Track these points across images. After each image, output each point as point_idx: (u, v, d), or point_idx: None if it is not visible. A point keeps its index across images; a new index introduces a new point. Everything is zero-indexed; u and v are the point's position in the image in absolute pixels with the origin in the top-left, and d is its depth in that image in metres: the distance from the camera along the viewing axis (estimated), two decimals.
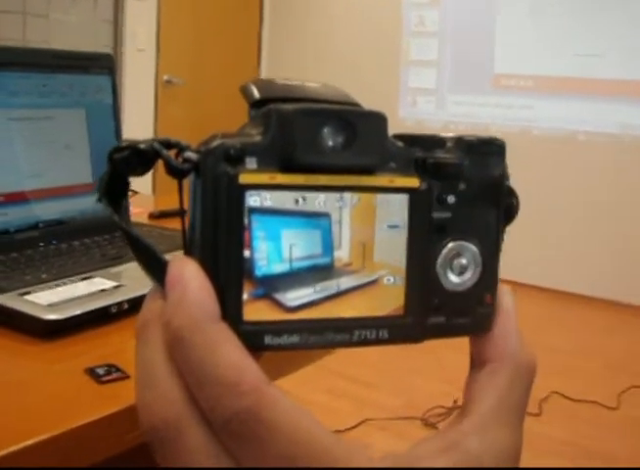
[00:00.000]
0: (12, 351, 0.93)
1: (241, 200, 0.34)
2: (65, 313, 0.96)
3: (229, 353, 0.33)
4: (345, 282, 0.37)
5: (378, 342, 0.38)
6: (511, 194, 0.41)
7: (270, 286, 0.35)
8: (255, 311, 0.35)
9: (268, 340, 0.35)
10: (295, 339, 0.36)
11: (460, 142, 0.39)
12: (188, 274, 0.34)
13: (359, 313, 0.37)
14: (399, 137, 0.39)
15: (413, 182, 0.38)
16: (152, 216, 1.67)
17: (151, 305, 0.36)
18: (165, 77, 5.58)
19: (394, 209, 0.38)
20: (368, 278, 0.38)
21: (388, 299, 0.38)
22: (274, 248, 0.35)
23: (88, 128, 1.37)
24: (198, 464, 0.33)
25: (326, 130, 0.36)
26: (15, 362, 0.91)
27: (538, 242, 5.15)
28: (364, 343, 0.38)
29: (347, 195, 0.37)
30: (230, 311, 0.34)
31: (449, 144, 0.39)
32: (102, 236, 1.32)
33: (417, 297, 0.38)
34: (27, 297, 1.00)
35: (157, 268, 0.35)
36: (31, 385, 0.85)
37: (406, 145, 0.39)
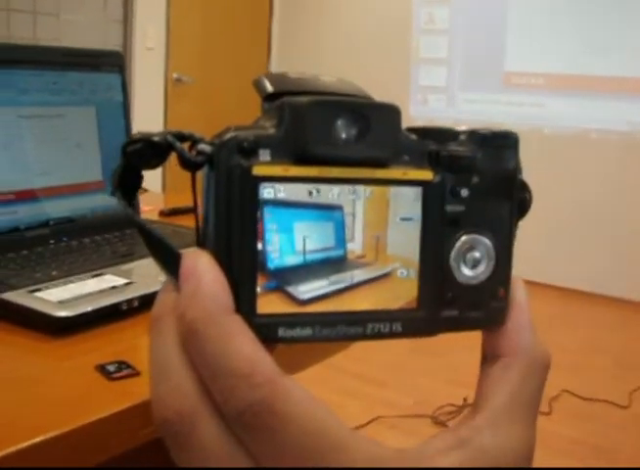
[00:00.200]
0: (22, 348, 0.93)
1: (254, 192, 0.34)
2: (75, 310, 0.96)
3: (243, 346, 0.33)
4: (358, 275, 0.37)
5: (391, 335, 0.38)
6: (524, 188, 0.41)
7: (283, 278, 0.35)
8: (268, 304, 0.35)
9: (281, 332, 0.35)
10: (308, 331, 0.36)
11: (473, 135, 0.39)
12: (202, 267, 0.34)
13: (372, 306, 0.37)
14: (413, 130, 0.39)
15: (426, 175, 0.38)
16: (162, 214, 1.67)
17: (164, 297, 0.36)
18: (175, 76, 5.59)
19: (408, 201, 0.37)
20: (381, 271, 0.37)
21: (401, 292, 0.38)
22: (286, 240, 0.35)
23: (98, 126, 1.38)
24: (212, 457, 0.33)
25: (339, 122, 0.36)
26: (25, 359, 0.91)
27: (548, 240, 5.14)
28: (377, 336, 0.37)
29: (361, 187, 0.37)
30: (244, 304, 0.34)
31: (462, 137, 0.39)
32: (112, 233, 1.32)
33: (430, 290, 0.38)
34: (38, 294, 1.00)
35: (170, 261, 0.35)
36: (42, 382, 0.85)
37: (419, 138, 0.38)
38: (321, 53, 6.06)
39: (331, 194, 0.36)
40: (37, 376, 0.86)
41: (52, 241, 1.25)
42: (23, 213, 1.24)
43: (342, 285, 0.37)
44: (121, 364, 0.86)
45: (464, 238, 0.39)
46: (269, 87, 0.38)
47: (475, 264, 0.39)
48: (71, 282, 1.06)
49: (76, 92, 1.34)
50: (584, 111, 5.11)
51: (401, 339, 0.38)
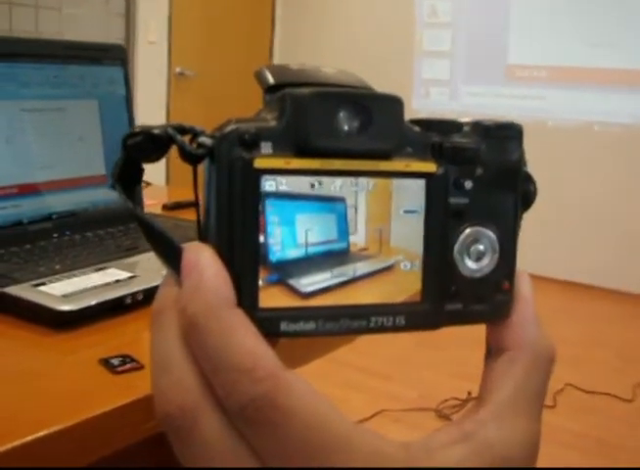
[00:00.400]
0: (26, 341, 0.93)
1: (256, 185, 0.34)
2: (79, 304, 0.96)
3: (245, 339, 0.32)
4: (361, 267, 0.37)
5: (395, 329, 0.38)
6: (528, 180, 0.41)
7: (285, 272, 0.35)
8: (271, 298, 0.35)
9: (284, 326, 0.35)
10: (310, 325, 0.36)
11: (477, 126, 0.39)
12: (204, 260, 0.34)
13: (375, 299, 0.37)
14: (416, 122, 0.38)
15: (430, 167, 0.38)
16: (165, 208, 1.66)
17: (166, 291, 0.35)
18: (177, 69, 5.58)
19: (411, 194, 0.37)
20: (384, 263, 0.37)
21: (405, 284, 0.38)
22: (288, 233, 0.35)
23: (101, 120, 1.37)
24: (214, 452, 0.33)
25: (341, 114, 0.35)
26: (29, 353, 0.91)
27: (550, 232, 5.13)
28: (381, 330, 0.37)
29: (363, 180, 0.36)
30: (246, 298, 0.34)
31: (466, 128, 0.39)
32: (116, 227, 1.32)
33: (434, 283, 0.38)
34: (42, 288, 1.00)
35: (171, 255, 0.35)
36: (46, 376, 0.85)
37: (423, 129, 0.38)
38: (324, 46, 6.06)
39: (333, 186, 0.36)
40: (41, 370, 0.86)
41: (55, 235, 1.25)
42: (26, 207, 1.24)
43: (344, 278, 0.37)
44: (125, 358, 0.86)
45: (468, 231, 0.39)
46: (271, 79, 0.38)
47: (479, 257, 0.39)
48: (75, 276, 1.06)
49: (79, 86, 1.34)
50: (587, 103, 5.10)
51: (405, 332, 0.38)
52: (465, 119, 0.39)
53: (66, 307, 0.95)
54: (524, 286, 0.41)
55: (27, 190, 1.25)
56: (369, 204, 0.37)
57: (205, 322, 0.33)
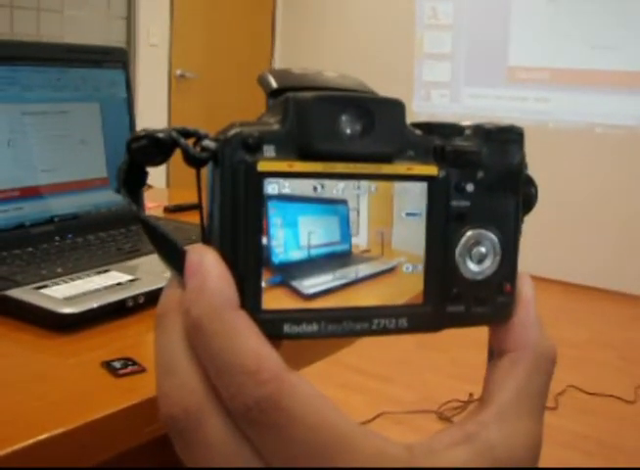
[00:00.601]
0: (28, 344, 0.93)
1: (259, 188, 0.34)
2: (81, 307, 0.96)
3: (249, 341, 0.33)
4: (364, 269, 0.37)
5: (397, 331, 0.38)
6: (530, 183, 0.41)
7: (287, 273, 0.35)
8: (274, 300, 0.35)
9: (287, 328, 0.35)
10: (313, 327, 0.36)
11: (478, 130, 0.39)
12: (207, 263, 0.34)
13: (377, 301, 0.37)
14: (417, 125, 0.39)
15: (431, 170, 0.38)
16: (167, 210, 1.67)
17: (170, 294, 0.36)
18: (179, 72, 5.59)
19: (413, 197, 0.37)
20: (386, 265, 0.37)
21: (407, 287, 0.38)
22: (291, 234, 0.35)
23: (102, 122, 1.37)
24: (218, 454, 0.33)
25: (344, 118, 0.36)
26: (31, 356, 0.91)
27: (552, 234, 5.13)
28: (383, 332, 0.37)
29: (365, 183, 0.37)
30: (249, 300, 0.34)
31: (468, 132, 0.39)
32: (117, 230, 1.33)
33: (436, 285, 0.38)
34: (43, 291, 1.00)
35: (175, 258, 0.35)
36: (48, 378, 0.85)
37: (424, 133, 0.38)
38: (324, 48, 6.06)
39: (335, 189, 0.36)
40: (43, 373, 0.86)
41: (57, 238, 1.25)
42: (28, 210, 1.24)
43: (347, 280, 0.37)
44: (127, 361, 0.86)
45: (469, 233, 0.39)
46: (273, 83, 0.38)
47: (480, 260, 0.39)
48: (77, 279, 1.06)
49: (80, 88, 1.34)
50: (588, 105, 5.10)
51: (407, 334, 0.38)
52: (466, 123, 0.40)
53: (67, 310, 0.95)
54: (525, 288, 0.41)
55: (29, 193, 1.25)
56: (371, 207, 0.37)
57: (208, 324, 0.33)
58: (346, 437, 0.33)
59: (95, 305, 0.98)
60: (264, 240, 0.35)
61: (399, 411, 3.10)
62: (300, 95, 0.36)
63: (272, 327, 0.35)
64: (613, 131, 5.02)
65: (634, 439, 3.01)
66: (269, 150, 0.35)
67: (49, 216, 1.27)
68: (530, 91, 5.29)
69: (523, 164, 0.40)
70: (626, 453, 2.88)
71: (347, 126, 0.36)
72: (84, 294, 1.00)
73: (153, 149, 0.36)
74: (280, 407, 0.32)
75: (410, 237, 0.38)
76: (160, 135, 0.35)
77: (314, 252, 0.36)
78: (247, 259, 0.34)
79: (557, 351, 0.40)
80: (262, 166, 0.34)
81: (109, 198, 1.35)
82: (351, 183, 0.36)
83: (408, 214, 0.37)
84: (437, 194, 0.38)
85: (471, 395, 3.08)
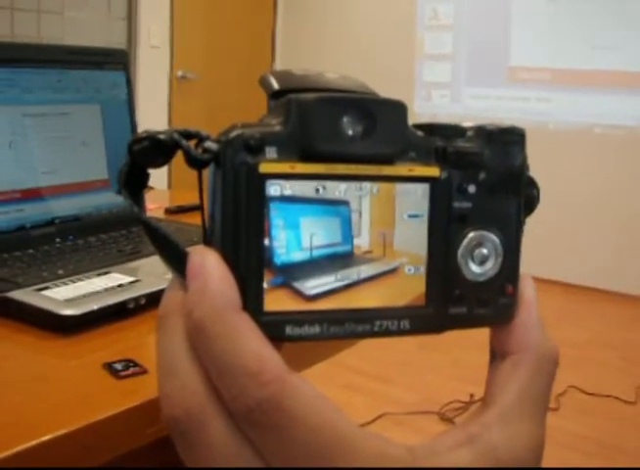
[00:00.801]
0: (29, 346, 0.93)
1: (261, 189, 0.34)
2: (82, 309, 0.96)
3: (250, 343, 0.33)
4: (366, 270, 0.37)
5: (399, 332, 0.38)
6: (531, 184, 0.41)
7: (289, 274, 0.35)
8: (276, 301, 0.35)
9: (289, 330, 0.35)
10: (315, 329, 0.36)
11: (480, 131, 0.39)
12: (209, 264, 0.34)
13: (379, 303, 0.37)
14: (419, 126, 0.39)
15: (433, 171, 0.38)
16: (168, 212, 1.67)
17: (171, 295, 0.36)
18: (179, 73, 5.59)
19: (415, 198, 0.37)
20: (388, 266, 0.37)
21: (409, 288, 0.38)
22: (293, 236, 0.35)
23: (103, 124, 1.37)
24: (220, 456, 0.33)
25: (345, 119, 0.36)
26: (32, 358, 0.91)
27: (553, 235, 5.13)
28: (385, 333, 0.37)
29: (367, 184, 0.37)
30: (251, 302, 0.34)
31: (469, 133, 0.39)
32: (118, 231, 1.33)
33: (438, 287, 0.38)
34: (44, 292, 1.00)
35: (177, 259, 0.35)
36: (49, 380, 0.85)
37: (426, 134, 0.38)
38: (325, 49, 6.06)
39: (337, 191, 0.36)
40: (44, 374, 0.86)
41: (58, 239, 1.25)
42: (29, 212, 1.24)
43: (349, 281, 0.37)
44: (129, 362, 0.86)
45: (471, 235, 0.39)
46: (275, 84, 0.38)
47: (482, 261, 0.39)
48: (78, 280, 1.06)
49: (81, 90, 1.34)
50: (589, 106, 5.09)
51: (409, 336, 0.38)
52: (468, 124, 0.40)
53: (68, 312, 0.95)
54: (527, 289, 0.41)
55: (30, 195, 1.25)
56: (373, 208, 0.37)
57: (210, 326, 0.33)
58: (347, 438, 0.33)
59: (96, 306, 0.98)
60: (266, 241, 0.35)
61: (401, 412, 3.10)
62: (302, 96, 0.36)
63: (274, 329, 0.35)
64: (613, 132, 5.02)
65: (634, 439, 3.01)
66: (271, 151, 0.35)
67: (50, 218, 1.27)
68: (531, 91, 5.29)
69: (524, 166, 0.40)
70: (626, 454, 2.88)
71: (349, 128, 0.36)
72: (85, 295, 1.00)
73: (154, 150, 0.36)
74: (281, 408, 0.32)
75: (412, 238, 0.38)
76: (162, 137, 0.35)
77: (316, 253, 0.36)
78: (248, 261, 0.34)
79: (559, 352, 0.40)
80: (264, 168, 0.34)
81: (110, 199, 1.35)
82: (353, 184, 0.36)
83: (410, 216, 0.37)
84: (439, 195, 0.38)
85: (472, 396, 3.08)
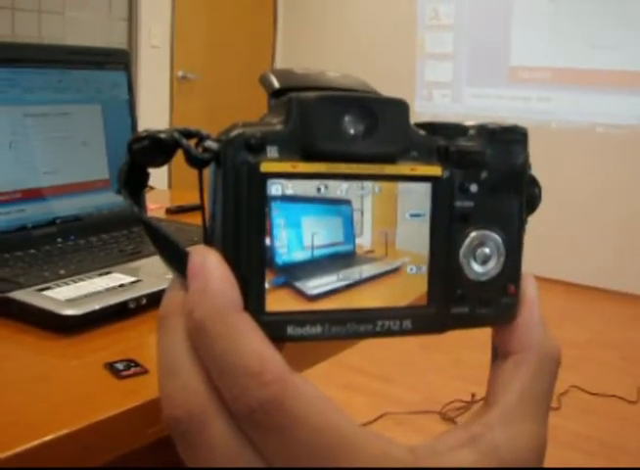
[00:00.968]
0: (31, 346, 0.93)
1: (262, 189, 0.34)
2: (83, 309, 0.96)
3: (252, 343, 0.32)
4: (368, 270, 0.37)
5: (401, 332, 0.38)
6: (533, 183, 0.41)
7: (291, 274, 0.35)
8: (277, 301, 0.35)
9: (290, 330, 0.35)
10: (317, 329, 0.36)
11: (482, 130, 0.39)
12: (210, 264, 0.34)
13: (381, 302, 0.37)
14: (421, 125, 0.38)
15: (435, 171, 0.38)
16: (169, 212, 1.66)
17: (172, 295, 0.35)
18: (180, 73, 5.59)
19: (417, 197, 0.37)
20: (390, 266, 0.37)
21: (411, 288, 0.38)
22: (295, 235, 0.35)
23: (104, 124, 1.37)
24: (221, 456, 0.33)
25: (347, 118, 0.35)
26: (33, 358, 0.91)
27: (554, 234, 5.13)
28: (387, 333, 0.37)
29: (369, 184, 0.36)
30: (252, 302, 0.34)
31: (471, 132, 0.39)
32: (120, 231, 1.32)
33: (440, 287, 0.38)
34: (46, 292, 1.00)
35: (177, 259, 0.35)
36: (50, 380, 0.85)
37: (428, 133, 0.38)
38: (326, 49, 6.06)
39: (339, 190, 0.36)
40: (46, 374, 0.86)
41: (59, 239, 1.25)
42: (31, 212, 1.24)
43: (350, 280, 0.37)
44: (130, 362, 0.86)
45: (473, 234, 0.39)
46: (276, 83, 0.38)
47: (485, 260, 0.39)
48: (79, 280, 1.06)
49: (82, 90, 1.34)
50: (590, 105, 5.09)
51: (411, 336, 0.38)
52: (470, 123, 0.39)
53: (70, 312, 0.95)
54: (529, 288, 0.40)
55: (31, 195, 1.25)
56: (375, 207, 0.37)
57: (212, 326, 0.33)
58: (350, 438, 0.33)
59: (97, 306, 0.97)
60: (267, 241, 0.35)
61: (402, 412, 3.10)
62: (304, 95, 0.35)
63: (275, 329, 0.34)
64: (614, 131, 5.02)
65: (636, 439, 3.01)
66: (272, 150, 0.34)
67: (51, 218, 1.27)
68: (532, 91, 5.29)
69: (526, 165, 0.40)
70: (628, 454, 2.88)
71: (351, 127, 0.36)
72: (86, 296, 1.00)
73: (154, 150, 0.35)
74: (283, 409, 0.32)
75: (414, 238, 0.37)
76: (162, 136, 0.35)
77: (318, 252, 0.36)
78: (249, 261, 0.34)
79: (561, 351, 0.40)
80: (265, 167, 0.34)
81: (111, 199, 1.35)
82: (355, 184, 0.36)
83: (412, 215, 0.37)
84: (441, 194, 0.38)
85: (473, 395, 3.08)
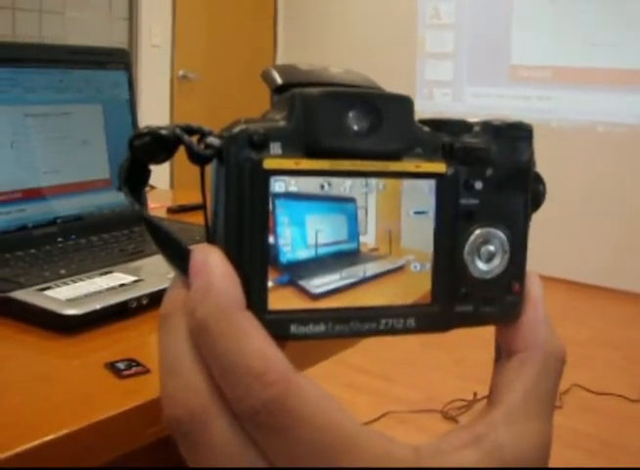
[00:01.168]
0: (31, 346, 0.93)
1: (265, 186, 0.34)
2: (84, 308, 0.96)
3: (255, 342, 0.32)
4: (372, 268, 0.36)
5: (405, 331, 0.37)
6: (538, 180, 0.40)
7: (295, 272, 0.35)
8: (281, 299, 0.34)
9: (294, 329, 0.35)
10: (320, 328, 0.35)
11: (487, 126, 0.39)
12: (212, 262, 0.33)
13: (385, 300, 0.37)
14: (425, 122, 0.38)
15: (440, 168, 0.37)
16: (170, 211, 1.66)
17: (174, 294, 0.35)
18: (181, 73, 5.59)
19: (421, 195, 0.37)
20: (394, 264, 0.37)
21: (415, 286, 0.37)
22: (298, 233, 0.35)
23: (105, 124, 1.37)
24: (223, 456, 0.33)
25: (351, 115, 0.35)
26: (34, 358, 0.91)
27: (556, 233, 5.12)
28: (391, 332, 0.37)
29: (373, 181, 0.36)
30: (255, 300, 0.34)
31: (476, 128, 0.39)
32: (120, 231, 1.32)
33: (444, 285, 0.38)
34: (47, 292, 1.00)
35: (179, 257, 0.35)
36: (52, 380, 0.85)
37: (432, 130, 0.38)
38: (327, 48, 6.06)
39: (343, 187, 0.35)
40: (47, 374, 0.86)
41: (60, 239, 1.25)
42: (31, 212, 1.24)
43: (354, 279, 0.36)
44: (131, 362, 0.86)
45: (478, 231, 0.38)
46: (278, 79, 0.38)
47: (489, 258, 0.38)
48: (80, 280, 1.05)
49: (83, 90, 1.34)
50: (591, 104, 5.09)
51: (415, 334, 0.38)
52: (474, 119, 0.39)
53: (70, 312, 0.95)
54: (534, 287, 0.40)
55: (32, 195, 1.25)
56: (379, 204, 0.36)
57: (214, 324, 0.32)
58: (353, 437, 0.32)
59: (98, 306, 0.97)
60: (271, 239, 0.34)
61: (404, 411, 3.10)
62: (307, 91, 0.35)
63: (278, 327, 0.34)
64: (615, 130, 5.01)
65: (637, 438, 3.01)
66: (275, 147, 0.34)
67: (52, 218, 1.27)
68: (533, 90, 5.28)
69: (532, 161, 0.39)
70: (629, 453, 2.88)
71: (355, 123, 0.35)
72: (87, 295, 1.00)
73: (156, 146, 0.35)
74: (287, 408, 0.31)
75: (418, 235, 0.37)
76: (164, 132, 0.35)
77: (322, 250, 0.35)
78: (252, 259, 0.34)
79: (566, 350, 0.40)
80: (269, 164, 0.34)
81: (111, 199, 1.35)
82: (359, 181, 0.36)
83: (416, 212, 0.37)
84: (446, 192, 0.37)
85: (475, 394, 3.08)
